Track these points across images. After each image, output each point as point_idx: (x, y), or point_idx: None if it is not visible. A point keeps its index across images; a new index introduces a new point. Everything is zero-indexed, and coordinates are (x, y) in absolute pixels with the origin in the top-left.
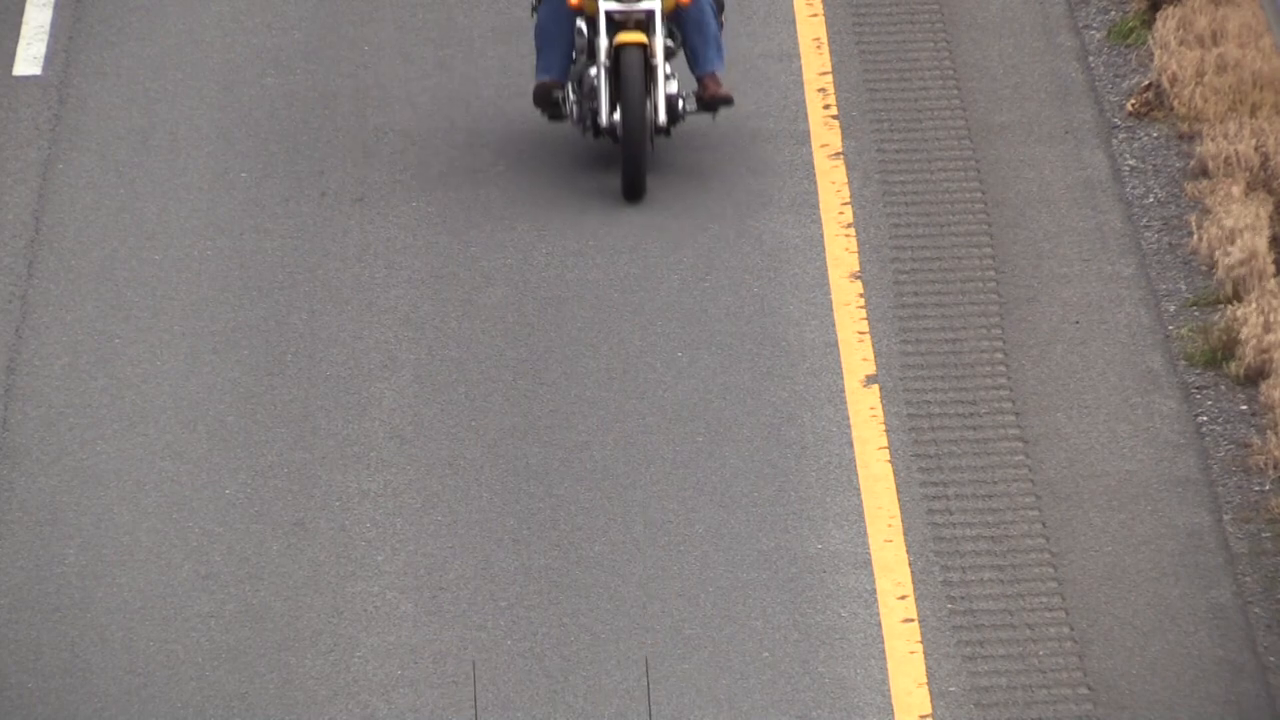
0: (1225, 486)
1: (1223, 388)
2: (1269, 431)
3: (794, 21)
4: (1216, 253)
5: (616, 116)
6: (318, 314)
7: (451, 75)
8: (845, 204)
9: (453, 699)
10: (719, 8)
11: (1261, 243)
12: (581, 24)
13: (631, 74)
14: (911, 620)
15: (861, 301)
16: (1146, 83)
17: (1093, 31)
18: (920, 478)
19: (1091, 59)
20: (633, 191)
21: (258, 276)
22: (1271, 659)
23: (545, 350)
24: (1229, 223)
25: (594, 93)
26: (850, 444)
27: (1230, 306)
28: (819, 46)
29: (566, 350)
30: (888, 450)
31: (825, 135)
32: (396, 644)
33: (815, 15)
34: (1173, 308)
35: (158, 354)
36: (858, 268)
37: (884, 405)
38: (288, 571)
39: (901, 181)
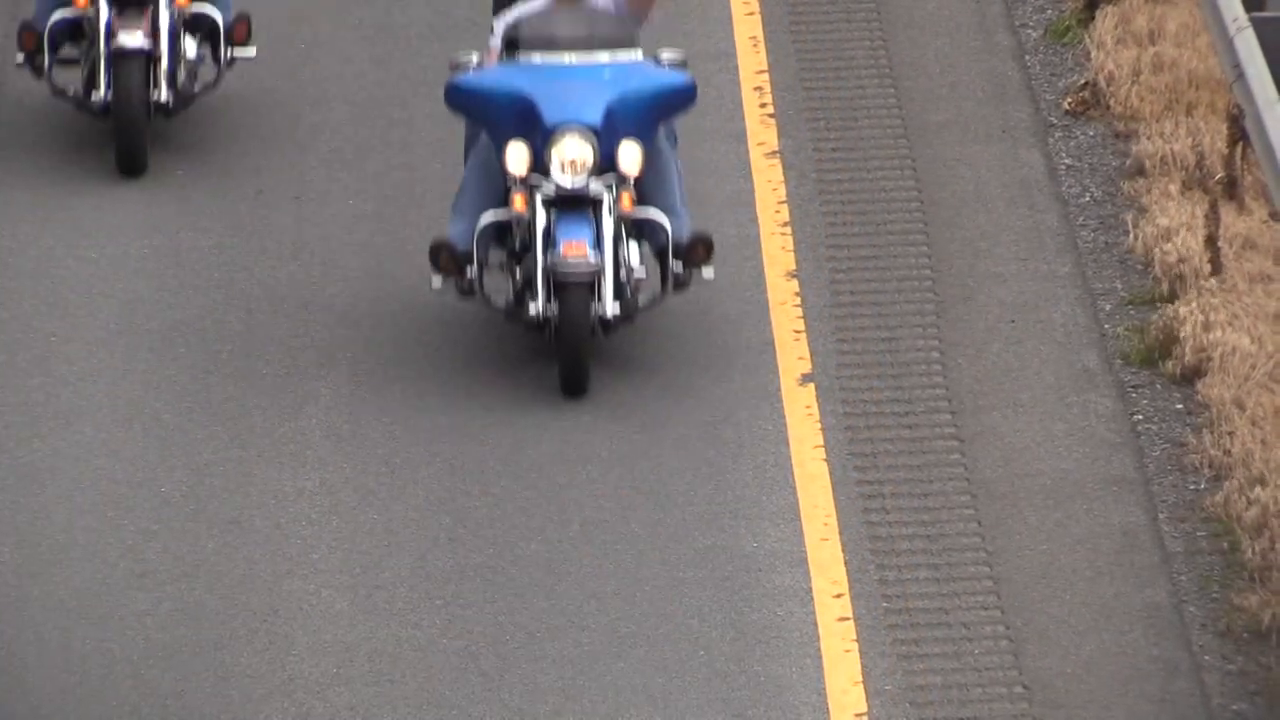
0: (1161, 485)
1: (1159, 386)
2: (1204, 430)
3: (731, 20)
4: (1153, 251)
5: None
6: (254, 312)
7: (389, 73)
8: (781, 202)
9: (389, 697)
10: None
11: (1197, 241)
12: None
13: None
14: (847, 619)
15: (798, 300)
16: (1083, 81)
17: (1029, 30)
18: (856, 476)
19: (1028, 57)
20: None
21: (194, 275)
22: (1206, 658)
23: (482, 348)
24: (1165, 221)
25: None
26: (786, 443)
27: (1166, 305)
28: (755, 45)
29: (502, 348)
30: (824, 449)
31: (761, 133)
32: (332, 642)
33: (752, 14)
34: (1109, 306)
35: (94, 352)
36: (794, 266)
37: (820, 404)
38: (224, 569)
39: (837, 180)
